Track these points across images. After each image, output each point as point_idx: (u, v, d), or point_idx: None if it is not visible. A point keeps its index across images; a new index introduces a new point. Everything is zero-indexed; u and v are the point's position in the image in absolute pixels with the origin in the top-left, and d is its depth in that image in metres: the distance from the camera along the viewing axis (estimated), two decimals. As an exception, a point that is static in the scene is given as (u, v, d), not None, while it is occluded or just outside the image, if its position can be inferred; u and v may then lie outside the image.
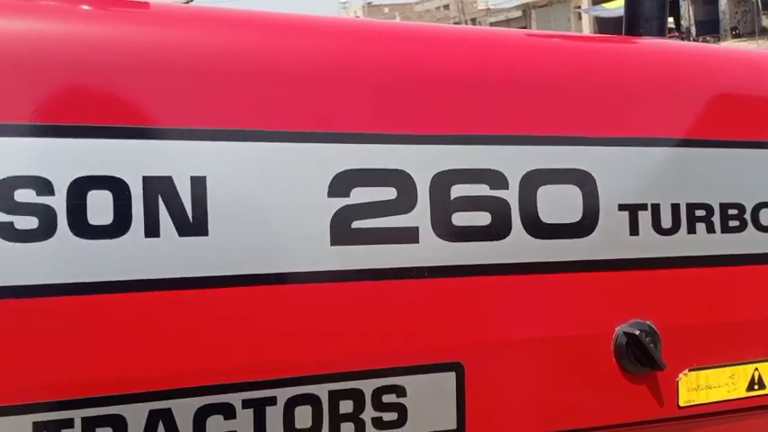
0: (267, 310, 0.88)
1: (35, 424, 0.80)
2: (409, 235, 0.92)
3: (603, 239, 1.00)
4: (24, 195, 0.80)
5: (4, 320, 0.78)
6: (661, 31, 1.32)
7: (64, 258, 0.80)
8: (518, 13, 36.15)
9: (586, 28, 28.70)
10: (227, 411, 0.87)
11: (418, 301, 0.93)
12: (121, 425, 0.83)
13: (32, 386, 0.80)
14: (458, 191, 0.94)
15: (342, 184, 0.90)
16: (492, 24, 37.14)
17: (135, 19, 0.95)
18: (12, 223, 0.79)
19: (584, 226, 0.99)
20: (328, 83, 0.92)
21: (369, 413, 0.92)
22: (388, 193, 0.92)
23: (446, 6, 44.92)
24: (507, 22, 35.89)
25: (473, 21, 38.27)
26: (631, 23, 1.30)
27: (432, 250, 0.93)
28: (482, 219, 0.95)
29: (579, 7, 31.49)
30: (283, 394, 0.89)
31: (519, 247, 0.96)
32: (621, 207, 1.01)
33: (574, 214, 0.99)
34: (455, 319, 0.95)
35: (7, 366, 0.79)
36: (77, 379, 0.81)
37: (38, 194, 0.80)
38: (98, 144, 0.83)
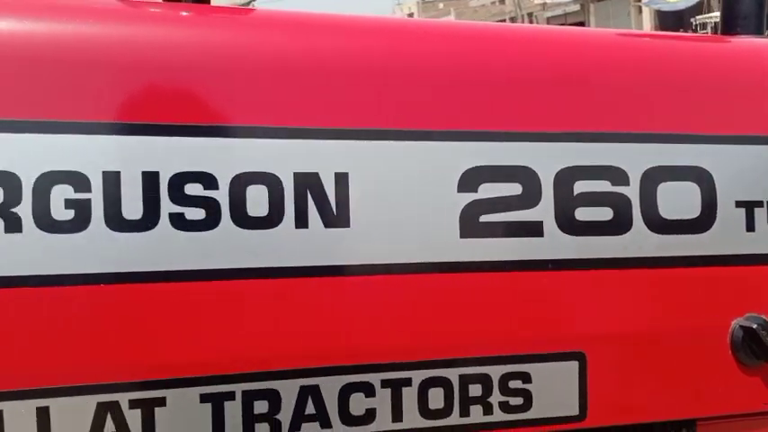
0: (403, 297, 0.94)
1: (202, 396, 0.88)
2: (534, 229, 0.97)
3: (720, 235, 1.03)
4: (194, 189, 0.88)
5: (200, 301, 0.87)
6: (759, 30, 1.33)
7: (226, 247, 0.88)
8: (576, 7, 35.55)
9: (647, 22, 28.04)
10: (368, 390, 0.93)
11: (542, 292, 0.98)
12: (276, 398, 0.90)
13: (204, 361, 0.88)
14: (580, 187, 0.98)
15: (470, 180, 0.95)
16: (549, 19, 36.63)
17: (274, 24, 1.03)
18: (182, 214, 0.87)
19: (703, 222, 1.02)
20: (462, 85, 0.98)
21: (496, 397, 0.97)
22: (514, 189, 0.97)
23: (501, 1, 44.47)
24: (564, 17, 35.33)
25: (529, 15, 37.80)
26: (729, 22, 1.32)
27: (555, 244, 0.98)
28: (604, 214, 0.99)
29: (639, 0, 30.84)
30: (418, 376, 0.95)
31: (639, 241, 1.00)
32: (738, 204, 1.04)
33: (692, 210, 1.02)
34: (577, 310, 1.00)
35: (204, 339, 0.87)
36: (245, 355, 0.89)
37: (205, 188, 0.88)
38: (257, 144, 0.90)
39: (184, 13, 1.00)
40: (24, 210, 0.82)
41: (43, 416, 0.84)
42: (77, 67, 0.87)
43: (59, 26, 0.90)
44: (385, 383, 0.94)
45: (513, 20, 38.30)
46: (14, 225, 0.82)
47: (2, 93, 0.84)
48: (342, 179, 0.92)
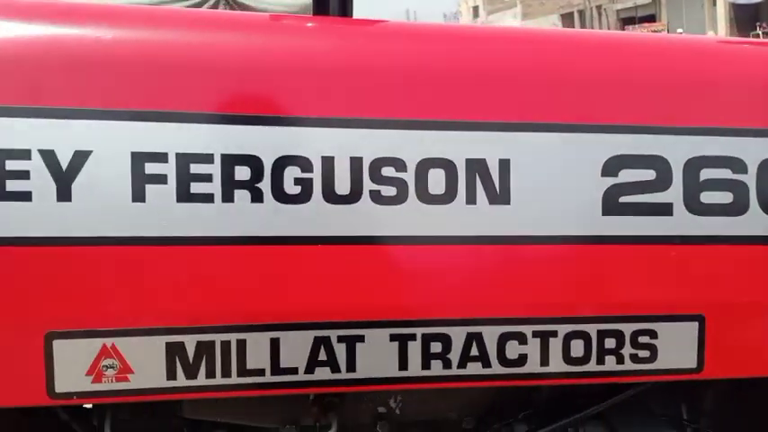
0: (553, 264, 1.14)
1: (391, 335, 1.10)
2: (665, 209, 1.15)
3: None
4: (388, 171, 1.09)
5: (394, 259, 1.09)
6: None
7: (413, 217, 1.09)
8: (647, 0, 34.71)
9: (721, 16, 27.20)
10: (521, 338, 1.14)
11: (670, 262, 1.16)
12: (448, 341, 1.11)
13: (394, 307, 1.10)
14: (705, 174, 1.16)
15: (612, 166, 1.14)
16: (618, 11, 35.88)
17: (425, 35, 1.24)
18: (379, 191, 1.09)
19: None
20: (605, 85, 1.17)
21: (627, 350, 1.16)
22: (649, 175, 1.15)
23: (569, -7, 43.72)
24: (635, 9, 34.52)
25: (598, 8, 37.10)
26: None
27: (683, 222, 1.15)
28: (725, 197, 1.16)
29: (714, -7, 29.92)
30: (563, 329, 1.14)
31: (755, 222, 1.17)
32: None
33: None
34: (699, 279, 1.18)
35: (394, 290, 1.10)
36: (423, 304, 1.11)
37: (396, 171, 1.10)
38: (437, 135, 1.11)
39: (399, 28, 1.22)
40: (265, 185, 1.05)
41: (275, 345, 1.07)
42: (323, 73, 1.10)
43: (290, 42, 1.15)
44: (535, 333, 1.14)
45: (581, 13, 37.67)
46: (257, 197, 1.05)
47: (264, 94, 1.08)
48: (504, 164, 1.12)
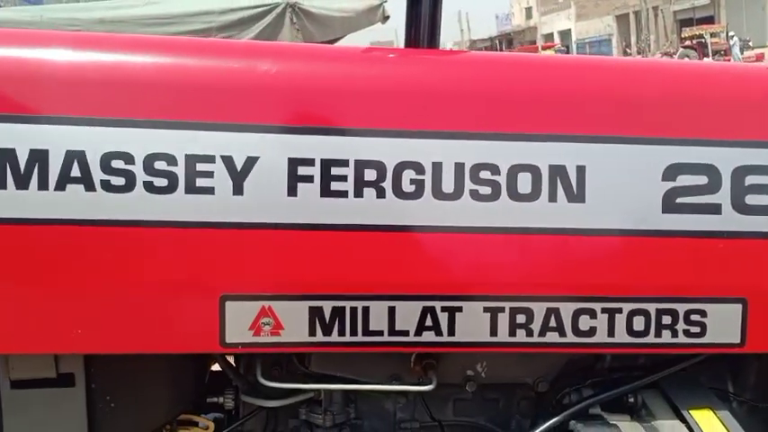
0: (620, 252, 1.38)
1: (484, 308, 1.36)
2: (714, 209, 1.38)
3: None
4: (485, 174, 1.35)
5: (495, 246, 1.35)
6: None
7: (504, 212, 1.35)
8: (705, 1, 34.07)
9: (784, 16, 26.54)
10: (592, 314, 1.38)
11: (718, 253, 1.39)
12: (530, 313, 1.37)
13: (486, 283, 1.36)
14: (750, 180, 1.38)
15: (671, 172, 1.38)
16: (676, 13, 35.29)
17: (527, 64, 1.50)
18: (477, 190, 1.34)
19: None
20: (667, 104, 1.41)
21: (681, 326, 1.40)
22: (702, 180, 1.38)
23: (625, -6, 43.13)
24: (693, 11, 33.89)
25: (654, 9, 36.55)
26: None
27: (730, 219, 1.38)
28: (766, 200, 1.39)
29: (777, -7, 29.21)
30: (627, 307, 1.39)
31: None
32: None
33: None
34: (743, 267, 1.40)
35: (489, 269, 1.36)
36: (511, 281, 1.37)
37: (491, 174, 1.35)
38: (525, 144, 1.36)
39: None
40: (387, 184, 1.33)
41: (392, 312, 1.35)
42: (432, 96, 1.37)
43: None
44: (604, 310, 1.39)
45: (637, 14, 37.17)
46: (381, 193, 1.32)
47: (385, 112, 1.35)
48: (581, 169, 1.37)
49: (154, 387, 1.46)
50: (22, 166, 1.24)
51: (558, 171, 1.36)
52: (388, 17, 10.57)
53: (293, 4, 8.69)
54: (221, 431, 1.63)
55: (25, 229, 1.25)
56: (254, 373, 1.51)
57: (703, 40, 25.16)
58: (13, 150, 1.23)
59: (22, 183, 1.24)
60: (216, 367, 1.67)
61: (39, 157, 1.24)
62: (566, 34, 47.67)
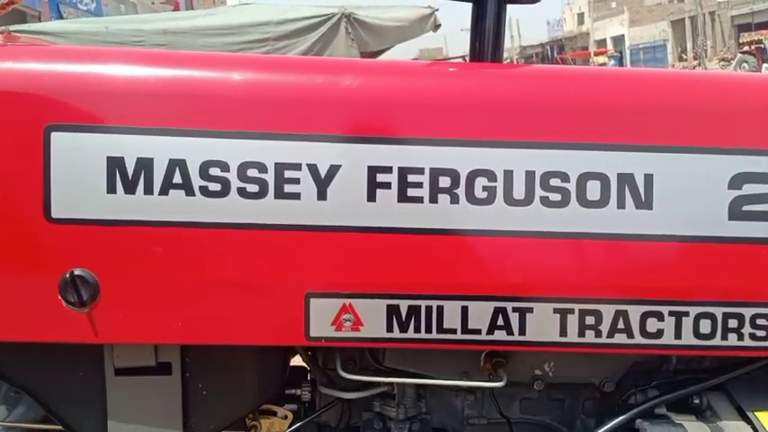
0: (686, 257, 1.43)
1: (554, 309, 1.43)
2: None
3: None
4: (555, 182, 1.41)
5: (562, 251, 1.42)
6: None
7: (574, 217, 1.41)
8: (764, 6, 33.14)
9: None
10: (659, 316, 1.44)
11: None
12: (599, 316, 1.43)
13: (557, 285, 1.43)
14: None
15: (737, 181, 1.42)
16: (733, 18, 34.43)
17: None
18: (548, 197, 1.41)
19: None
20: (731, 115, 1.45)
21: (747, 329, 1.44)
22: (765, 189, 1.42)
23: (680, -1, 42.25)
24: (751, 15, 33.01)
25: (711, 14, 35.73)
26: None
27: None
28: None
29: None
30: (693, 310, 1.43)
31: None
32: None
33: None
34: None
35: (566, 274, 1.43)
36: (582, 284, 1.43)
37: (561, 181, 1.42)
38: (594, 154, 1.42)
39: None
40: (461, 191, 1.40)
41: (465, 311, 1.43)
42: (503, 108, 1.45)
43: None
44: (671, 313, 1.43)
45: (693, 19, 36.40)
46: (455, 199, 1.40)
47: (459, 123, 1.43)
48: (648, 178, 1.42)
49: (242, 378, 1.57)
50: (130, 173, 1.36)
51: (626, 179, 1.42)
52: (439, 25, 10.67)
53: (348, 14, 8.87)
54: (297, 422, 1.73)
55: (132, 231, 1.37)
56: (331, 366, 1.61)
57: (762, 46, 24.50)
58: (122, 159, 1.36)
59: (130, 188, 1.36)
60: (292, 362, 1.77)
61: (144, 165, 1.36)
62: (618, 40, 46.95)
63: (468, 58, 1.76)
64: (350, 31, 8.80)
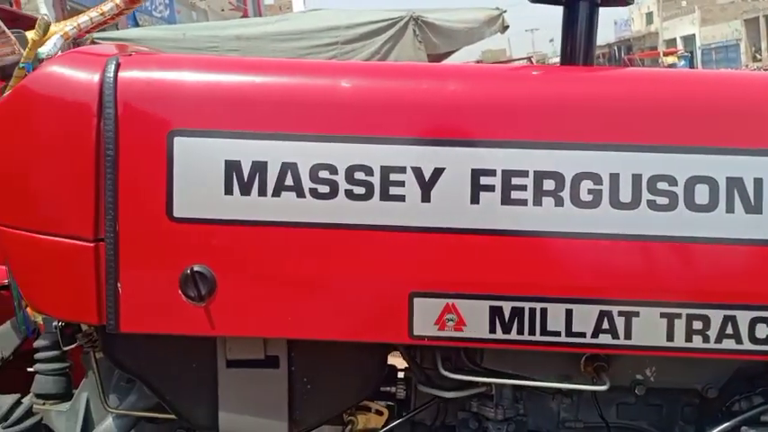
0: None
1: (661, 313, 1.42)
2: None
3: None
4: (662, 185, 1.40)
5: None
6: None
7: (681, 221, 1.40)
8: None
9: None
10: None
11: None
12: (707, 321, 1.41)
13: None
14: None
15: None
16: (814, 14, 32.90)
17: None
18: (654, 201, 1.40)
19: None
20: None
21: None
22: None
23: (755, -4, 40.74)
24: (834, 12, 31.50)
25: (789, 11, 34.26)
26: None
27: None
28: None
29: None
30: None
31: None
32: None
33: None
34: None
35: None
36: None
37: (669, 185, 1.40)
38: (703, 158, 1.41)
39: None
40: (565, 194, 1.41)
41: (569, 314, 1.43)
42: (595, 110, 1.46)
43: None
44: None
45: (767, 18, 35.02)
46: (559, 202, 1.41)
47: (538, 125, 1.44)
48: (758, 182, 1.40)
49: (344, 373, 1.61)
50: (246, 176, 1.42)
51: (735, 183, 1.40)
52: (507, 27, 10.60)
53: (417, 17, 8.90)
54: (392, 418, 1.76)
55: (246, 230, 1.43)
56: (430, 365, 1.63)
57: None
58: (239, 162, 1.42)
59: (246, 190, 1.42)
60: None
61: (259, 168, 1.42)
62: (689, 39, 45.53)
63: (534, 60, 1.77)
64: (417, 34, 8.83)
